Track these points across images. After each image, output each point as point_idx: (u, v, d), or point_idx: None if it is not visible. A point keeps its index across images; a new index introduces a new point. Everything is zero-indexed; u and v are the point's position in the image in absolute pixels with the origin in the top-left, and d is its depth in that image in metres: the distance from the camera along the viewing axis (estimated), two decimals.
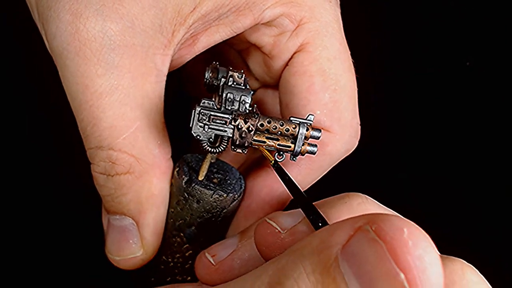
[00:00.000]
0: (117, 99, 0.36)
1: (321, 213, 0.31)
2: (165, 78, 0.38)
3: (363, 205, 0.33)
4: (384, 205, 0.35)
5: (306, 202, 0.32)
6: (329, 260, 0.25)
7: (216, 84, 0.39)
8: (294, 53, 0.41)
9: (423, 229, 0.35)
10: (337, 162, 0.43)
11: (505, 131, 0.63)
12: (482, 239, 0.60)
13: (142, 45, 0.36)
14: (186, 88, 0.51)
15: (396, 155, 0.63)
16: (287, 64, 0.41)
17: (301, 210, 0.33)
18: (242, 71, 0.38)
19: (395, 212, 0.34)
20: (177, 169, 0.40)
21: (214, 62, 0.39)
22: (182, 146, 0.44)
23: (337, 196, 0.35)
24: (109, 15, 0.35)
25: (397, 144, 0.63)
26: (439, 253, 0.25)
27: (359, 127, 0.42)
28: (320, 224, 0.31)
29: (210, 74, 0.39)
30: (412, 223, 0.25)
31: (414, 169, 0.64)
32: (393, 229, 0.24)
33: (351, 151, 0.43)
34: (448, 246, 0.35)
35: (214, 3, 0.37)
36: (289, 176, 0.34)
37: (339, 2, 0.42)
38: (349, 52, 0.42)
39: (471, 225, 0.61)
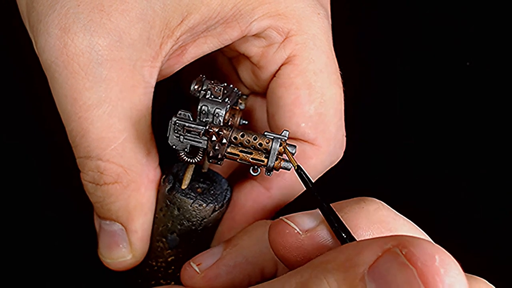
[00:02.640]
0: (105, 111, 0.37)
1: (346, 225, 0.31)
2: (152, 89, 0.39)
3: (380, 211, 0.33)
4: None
5: (330, 212, 0.32)
6: (355, 278, 0.26)
7: (198, 96, 0.39)
8: (282, 65, 0.41)
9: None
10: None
11: (505, 131, 0.63)
12: (482, 239, 0.60)
13: (130, 58, 0.37)
14: (184, 92, 0.51)
15: (395, 156, 0.63)
16: (274, 75, 0.42)
17: (325, 219, 0.32)
18: (225, 84, 0.39)
19: (411, 222, 0.34)
20: (163, 176, 0.41)
21: (200, 75, 0.40)
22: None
23: (352, 200, 0.34)
24: (97, 30, 0.36)
25: (396, 145, 0.63)
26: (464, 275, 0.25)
27: (345, 138, 0.43)
28: (344, 236, 0.31)
29: (195, 87, 0.39)
30: (443, 249, 0.25)
31: (414, 170, 0.64)
32: (425, 255, 0.25)
33: (336, 162, 0.43)
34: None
35: (202, 15, 0.38)
36: (313, 184, 0.34)
37: (329, 14, 0.42)
38: (337, 65, 0.42)
39: (470, 225, 0.61)
